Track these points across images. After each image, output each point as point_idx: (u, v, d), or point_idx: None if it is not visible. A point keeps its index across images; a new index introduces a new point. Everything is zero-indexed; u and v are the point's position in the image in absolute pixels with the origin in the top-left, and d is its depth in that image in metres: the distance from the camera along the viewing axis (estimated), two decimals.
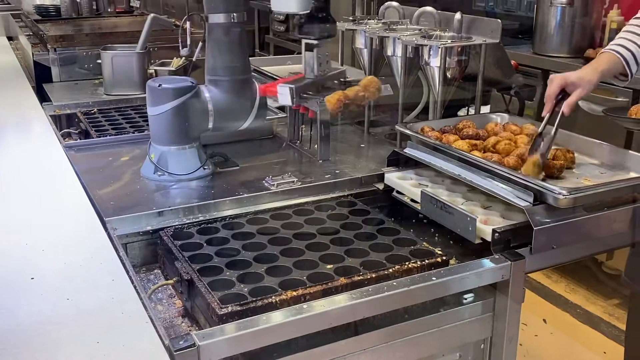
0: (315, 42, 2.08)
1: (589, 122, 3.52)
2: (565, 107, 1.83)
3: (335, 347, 1.38)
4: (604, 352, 3.07)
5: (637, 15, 1.97)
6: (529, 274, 1.62)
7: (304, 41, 2.11)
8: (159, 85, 1.95)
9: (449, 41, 2.18)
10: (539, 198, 1.61)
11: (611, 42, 1.94)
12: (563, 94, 1.86)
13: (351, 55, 3.29)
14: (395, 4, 2.57)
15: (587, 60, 3.53)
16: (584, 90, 1.83)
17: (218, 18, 2.01)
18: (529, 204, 1.61)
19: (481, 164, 1.78)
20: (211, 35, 2.05)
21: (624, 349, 2.24)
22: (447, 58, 2.16)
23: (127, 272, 1.39)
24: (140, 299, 1.28)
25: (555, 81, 1.86)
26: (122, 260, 1.43)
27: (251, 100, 2.11)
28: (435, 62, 2.17)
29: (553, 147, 1.91)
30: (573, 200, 1.58)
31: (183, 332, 1.42)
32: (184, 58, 3.16)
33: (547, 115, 1.86)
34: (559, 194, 1.56)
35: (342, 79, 2.20)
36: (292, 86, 2.00)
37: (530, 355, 2.94)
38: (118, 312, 1.25)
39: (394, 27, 2.42)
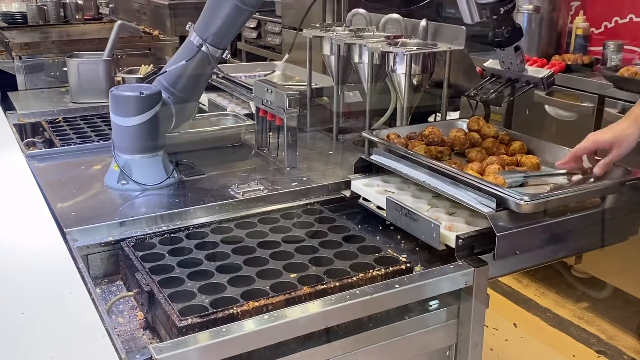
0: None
1: (555, 127, 3.57)
2: (597, 167, 1.71)
3: (297, 358, 1.37)
4: (573, 356, 3.10)
5: None
6: (499, 279, 1.62)
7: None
8: (140, 93, 1.92)
9: (415, 48, 2.19)
10: (502, 204, 1.62)
11: None
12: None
13: (320, 63, 3.28)
14: (362, 11, 2.57)
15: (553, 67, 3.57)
16: (619, 150, 1.68)
17: (208, 48, 2.01)
18: (491, 210, 1.62)
19: (446, 170, 1.78)
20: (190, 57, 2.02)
21: None
22: (413, 65, 2.17)
23: (86, 284, 1.37)
24: (98, 312, 1.26)
25: (585, 143, 1.72)
26: (80, 273, 1.40)
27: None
28: (401, 69, 2.18)
29: (518, 154, 1.93)
30: (535, 206, 1.58)
31: (144, 345, 1.39)
32: (152, 65, 3.14)
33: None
34: (521, 199, 1.57)
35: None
36: None
37: (501, 359, 2.96)
38: (75, 326, 1.22)
39: (361, 34, 2.42)
